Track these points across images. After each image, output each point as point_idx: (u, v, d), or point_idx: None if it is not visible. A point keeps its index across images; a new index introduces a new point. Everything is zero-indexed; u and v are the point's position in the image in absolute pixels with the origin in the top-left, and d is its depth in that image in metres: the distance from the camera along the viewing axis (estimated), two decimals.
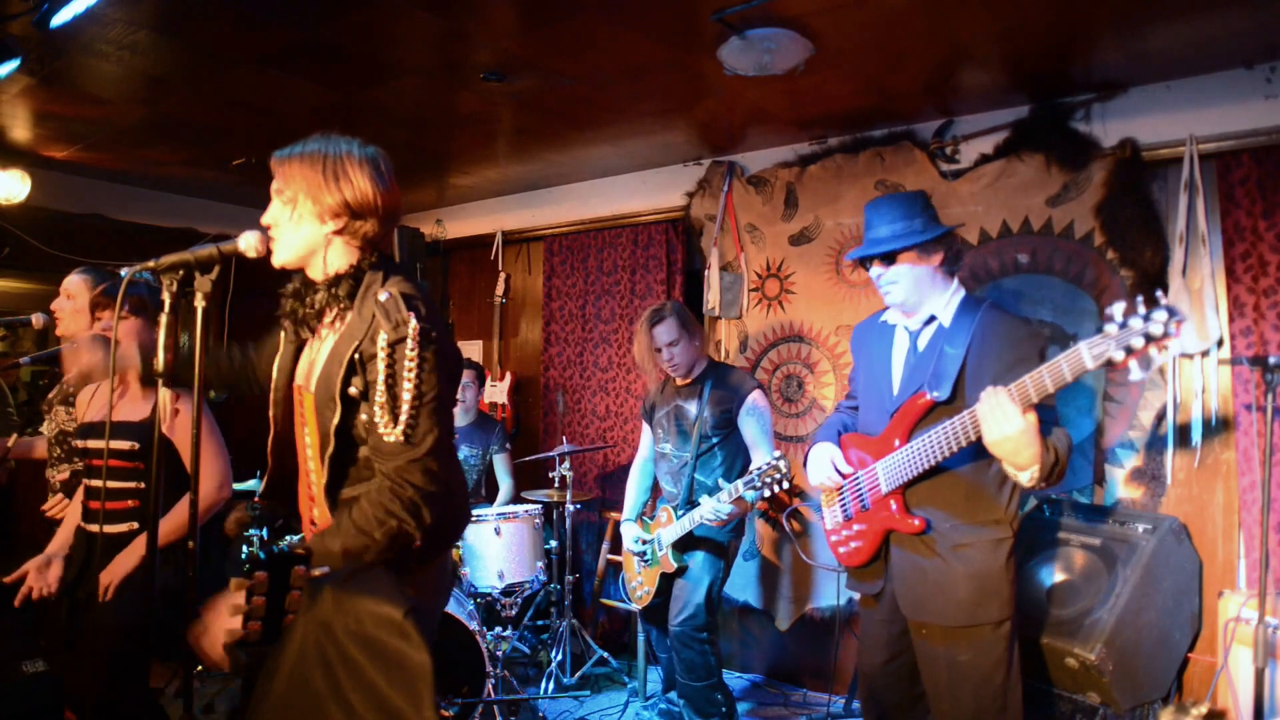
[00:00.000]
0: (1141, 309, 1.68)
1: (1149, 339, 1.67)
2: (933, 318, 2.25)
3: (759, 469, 2.74)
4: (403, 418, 1.55)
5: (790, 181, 4.07)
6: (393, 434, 1.55)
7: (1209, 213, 3.04)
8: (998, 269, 3.48)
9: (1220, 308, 3.01)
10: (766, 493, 2.73)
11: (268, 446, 1.81)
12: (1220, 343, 3.02)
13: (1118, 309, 1.71)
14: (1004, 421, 1.88)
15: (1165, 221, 3.13)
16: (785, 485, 2.71)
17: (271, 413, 1.81)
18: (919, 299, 2.25)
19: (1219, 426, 3.03)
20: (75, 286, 2.66)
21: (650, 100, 3.55)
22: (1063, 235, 3.34)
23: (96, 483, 2.48)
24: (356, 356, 1.59)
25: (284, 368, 1.79)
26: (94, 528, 2.48)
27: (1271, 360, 2.34)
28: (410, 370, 1.55)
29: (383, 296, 1.60)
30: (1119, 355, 1.70)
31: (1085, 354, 1.76)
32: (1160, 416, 3.13)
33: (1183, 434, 3.08)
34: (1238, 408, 2.93)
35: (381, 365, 1.55)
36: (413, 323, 1.56)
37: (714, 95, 3.46)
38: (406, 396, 1.55)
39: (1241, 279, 2.94)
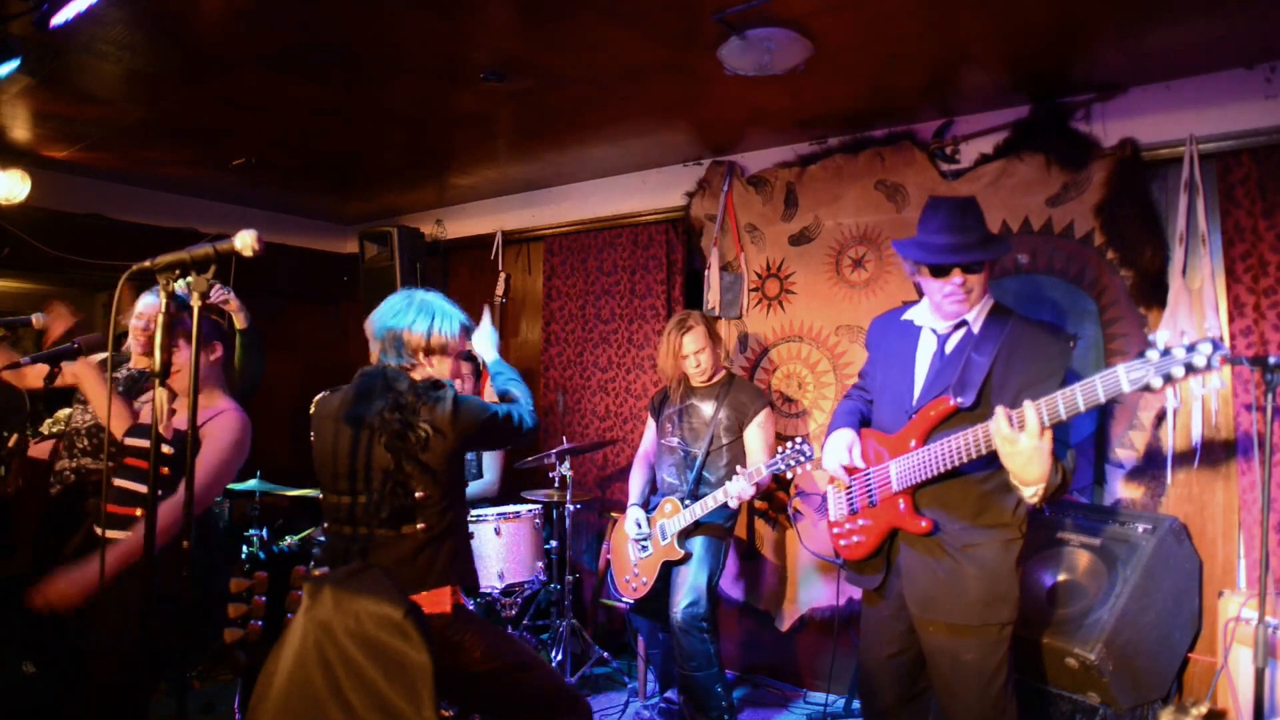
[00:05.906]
0: (1185, 340, 1.69)
1: (1190, 369, 1.67)
2: (963, 322, 2.25)
3: (783, 450, 3.00)
4: None
5: (790, 181, 4.07)
6: None
7: (1209, 213, 3.04)
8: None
9: (1220, 308, 3.01)
10: (785, 466, 2.99)
11: None
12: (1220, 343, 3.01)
13: (1161, 337, 1.72)
14: (1015, 443, 1.90)
15: (1165, 221, 3.12)
16: (807, 466, 2.99)
17: None
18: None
19: (1219, 427, 3.02)
20: (149, 309, 2.59)
21: (650, 100, 3.55)
22: (1063, 235, 3.34)
23: (124, 483, 2.42)
24: None
25: None
26: (116, 534, 2.36)
27: (1271, 360, 2.33)
28: None
29: None
30: (1157, 382, 1.71)
31: (1123, 377, 1.76)
32: (1160, 416, 3.13)
33: (1183, 434, 3.08)
34: (1238, 408, 2.93)
35: None
36: None
37: (714, 95, 3.46)
38: None
39: (1241, 279, 2.94)
